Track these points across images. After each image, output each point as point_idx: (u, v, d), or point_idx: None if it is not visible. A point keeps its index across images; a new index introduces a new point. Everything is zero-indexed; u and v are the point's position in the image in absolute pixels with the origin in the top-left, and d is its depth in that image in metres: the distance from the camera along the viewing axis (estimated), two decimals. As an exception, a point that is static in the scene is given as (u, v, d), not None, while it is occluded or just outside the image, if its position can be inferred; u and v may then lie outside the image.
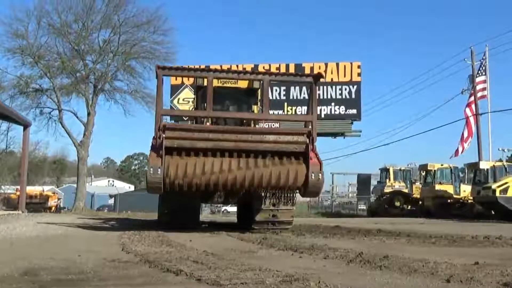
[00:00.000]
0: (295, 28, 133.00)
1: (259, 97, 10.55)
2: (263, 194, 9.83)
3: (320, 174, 8.37)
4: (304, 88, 23.52)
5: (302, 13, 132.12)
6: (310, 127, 8.75)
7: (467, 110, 29.67)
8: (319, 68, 23.78)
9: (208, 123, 10.01)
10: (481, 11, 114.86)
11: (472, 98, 29.58)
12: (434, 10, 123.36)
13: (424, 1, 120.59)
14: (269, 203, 10.25)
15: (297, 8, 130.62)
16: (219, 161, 8.22)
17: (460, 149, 29.65)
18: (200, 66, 9.09)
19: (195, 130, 8.70)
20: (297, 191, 9.02)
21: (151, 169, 8.05)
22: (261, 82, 9.23)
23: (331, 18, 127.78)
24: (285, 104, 24.24)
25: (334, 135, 25.02)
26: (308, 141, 8.53)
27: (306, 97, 20.81)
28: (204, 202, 13.91)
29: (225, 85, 10.87)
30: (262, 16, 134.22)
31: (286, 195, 9.70)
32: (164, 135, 8.22)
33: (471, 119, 29.49)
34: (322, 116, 23.56)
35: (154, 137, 8.46)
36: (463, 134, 29.71)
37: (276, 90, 24.05)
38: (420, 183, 30.23)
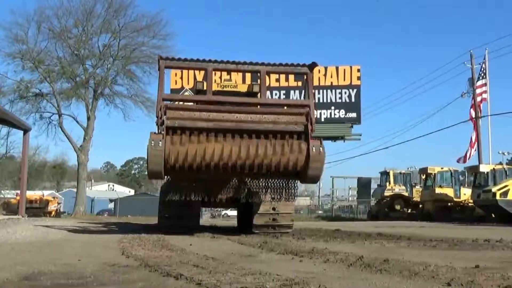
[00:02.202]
0: (295, 34, 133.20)
1: None
2: (263, 191, 9.78)
3: (321, 148, 8.46)
4: (303, 92, 23.57)
5: (302, 18, 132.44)
6: (308, 109, 8.90)
7: (472, 113, 29.58)
8: (319, 72, 23.80)
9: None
10: (480, 15, 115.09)
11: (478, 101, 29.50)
12: (433, 15, 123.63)
13: (423, 5, 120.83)
14: (269, 207, 10.26)
15: (297, 13, 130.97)
16: (220, 140, 8.32)
17: (468, 154, 29.51)
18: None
19: (196, 109, 8.77)
20: (298, 179, 9.05)
21: (152, 142, 8.05)
22: (259, 72, 9.47)
23: (330, 23, 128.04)
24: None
25: (334, 139, 25.03)
26: (307, 122, 8.65)
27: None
28: (205, 206, 13.89)
29: (225, 89, 10.90)
30: (262, 22, 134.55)
31: (287, 190, 9.62)
32: (165, 116, 8.30)
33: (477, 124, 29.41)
34: (322, 120, 23.58)
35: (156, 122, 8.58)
36: (471, 138, 29.60)
37: (276, 94, 24.08)
38: (420, 187, 30.24)
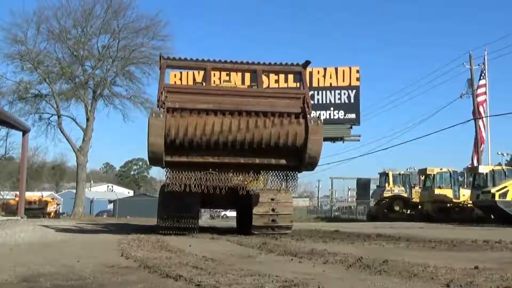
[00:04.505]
0: (295, 34, 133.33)
1: None
2: (263, 177, 9.72)
3: (319, 121, 8.66)
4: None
5: (302, 18, 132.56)
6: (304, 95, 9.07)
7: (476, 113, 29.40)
8: (318, 73, 23.81)
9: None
10: (480, 15, 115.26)
11: (479, 102, 29.33)
12: (433, 15, 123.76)
13: (423, 5, 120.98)
14: (268, 208, 10.26)
15: (296, 13, 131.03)
16: (220, 118, 8.46)
17: (476, 158, 29.24)
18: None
19: (196, 93, 8.96)
20: (298, 161, 8.97)
21: (154, 114, 8.21)
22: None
23: (330, 23, 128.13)
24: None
25: (333, 139, 24.99)
26: (303, 105, 8.79)
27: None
28: (204, 207, 13.90)
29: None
30: (262, 22, 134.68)
31: (287, 182, 9.55)
32: (166, 100, 8.45)
33: (481, 125, 29.24)
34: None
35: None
36: (475, 141, 29.35)
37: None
38: (419, 187, 30.23)
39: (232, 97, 8.94)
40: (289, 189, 9.87)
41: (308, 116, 8.60)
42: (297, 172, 9.46)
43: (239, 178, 9.27)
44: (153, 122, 8.12)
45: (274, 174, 9.58)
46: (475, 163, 28.69)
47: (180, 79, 23.35)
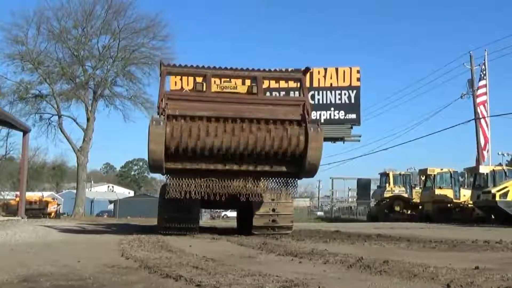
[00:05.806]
0: (295, 34, 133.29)
1: None
2: (263, 184, 9.74)
3: (319, 129, 8.66)
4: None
5: (302, 18, 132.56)
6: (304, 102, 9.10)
7: (479, 114, 29.29)
8: (318, 73, 23.75)
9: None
10: (479, 15, 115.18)
11: (479, 102, 29.24)
12: (433, 15, 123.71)
13: (423, 5, 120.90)
14: (269, 208, 10.26)
15: (296, 13, 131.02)
16: (221, 125, 8.49)
17: (481, 158, 29.08)
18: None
19: (196, 100, 9.00)
20: (298, 168, 8.97)
21: (154, 122, 8.22)
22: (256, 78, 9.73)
23: (330, 24, 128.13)
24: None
25: (334, 140, 24.97)
26: (303, 112, 8.83)
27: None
28: (204, 207, 13.89)
29: (224, 90, 10.93)
30: (262, 23, 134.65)
31: (287, 189, 9.57)
32: (166, 107, 8.48)
33: (484, 125, 29.15)
34: (322, 121, 23.51)
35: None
36: (479, 142, 29.22)
37: (275, 95, 24.05)
38: (420, 188, 30.20)
39: (232, 104, 8.96)
40: (289, 195, 9.91)
41: (308, 123, 8.63)
42: (297, 179, 9.49)
43: (239, 185, 9.27)
44: (153, 130, 8.14)
45: (274, 180, 9.60)
46: (482, 162, 28.60)
47: (181, 79, 23.32)
